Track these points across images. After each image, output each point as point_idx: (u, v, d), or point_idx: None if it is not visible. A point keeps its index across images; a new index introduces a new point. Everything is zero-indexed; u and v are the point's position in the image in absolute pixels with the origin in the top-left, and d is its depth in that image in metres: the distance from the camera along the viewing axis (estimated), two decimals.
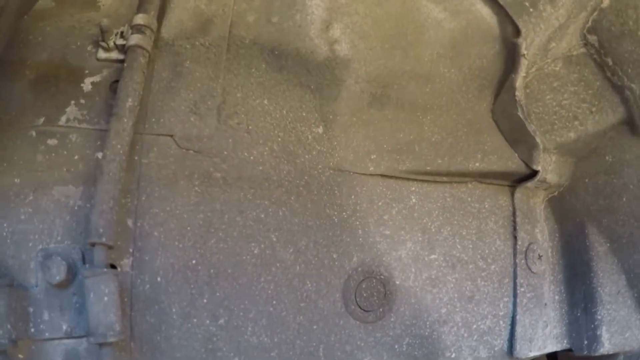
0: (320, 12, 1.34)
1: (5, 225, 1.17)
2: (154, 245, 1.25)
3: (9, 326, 1.09)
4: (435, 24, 1.43)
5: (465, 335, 1.51)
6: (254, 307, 1.30)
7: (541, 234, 1.64)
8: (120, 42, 1.30)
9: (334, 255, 1.38)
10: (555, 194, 1.65)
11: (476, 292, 1.53)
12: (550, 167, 1.56)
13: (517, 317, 1.56)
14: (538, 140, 1.52)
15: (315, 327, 1.35)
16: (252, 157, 1.34)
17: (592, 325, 1.56)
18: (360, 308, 1.39)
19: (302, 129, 1.40)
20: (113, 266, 1.19)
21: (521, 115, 1.51)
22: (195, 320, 1.26)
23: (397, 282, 1.45)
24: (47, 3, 1.36)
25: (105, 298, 1.11)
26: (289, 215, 1.35)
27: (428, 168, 1.48)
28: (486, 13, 1.46)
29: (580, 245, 1.60)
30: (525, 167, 1.57)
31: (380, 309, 1.42)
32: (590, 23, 1.46)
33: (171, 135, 1.29)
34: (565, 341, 1.63)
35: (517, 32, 1.44)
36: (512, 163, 1.56)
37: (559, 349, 1.61)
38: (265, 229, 1.32)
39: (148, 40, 1.28)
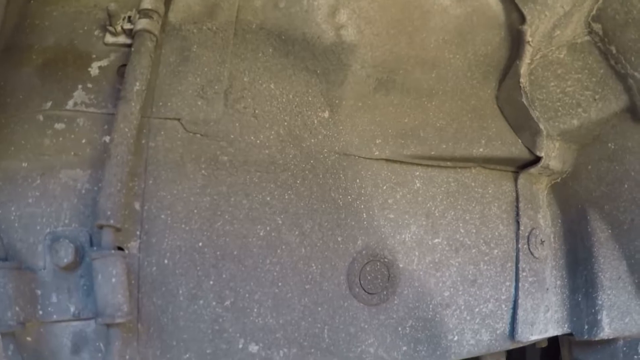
0: None
1: (13, 208, 1.16)
2: (161, 227, 1.24)
3: (17, 308, 1.09)
4: (441, 10, 1.41)
5: (468, 318, 1.51)
6: (259, 289, 1.29)
7: (544, 220, 1.63)
8: (127, 26, 1.29)
9: (339, 238, 1.37)
10: (558, 180, 1.64)
11: (479, 276, 1.52)
12: (553, 154, 1.55)
13: (519, 301, 1.55)
14: (541, 126, 1.51)
15: (319, 309, 1.34)
16: (258, 141, 1.33)
17: (593, 310, 1.55)
18: (365, 290, 1.39)
19: (308, 114, 1.38)
20: (120, 249, 1.18)
21: (525, 102, 1.50)
22: (201, 301, 1.25)
23: (401, 265, 1.44)
24: None
25: (113, 279, 1.11)
26: (294, 199, 1.34)
27: (432, 153, 1.47)
28: (492, 0, 1.44)
29: (582, 231, 1.59)
30: (529, 153, 1.55)
31: (384, 292, 1.41)
32: (595, 11, 1.44)
33: (178, 119, 1.28)
34: (566, 325, 1.62)
35: (522, 19, 1.42)
36: (516, 149, 1.55)
37: (560, 333, 1.61)
38: (271, 212, 1.32)
39: (155, 25, 1.27)
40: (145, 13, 1.27)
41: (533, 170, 1.56)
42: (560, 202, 1.66)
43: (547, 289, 1.60)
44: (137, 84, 1.20)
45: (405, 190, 1.46)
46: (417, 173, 1.48)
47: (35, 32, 1.28)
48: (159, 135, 1.27)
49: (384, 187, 1.44)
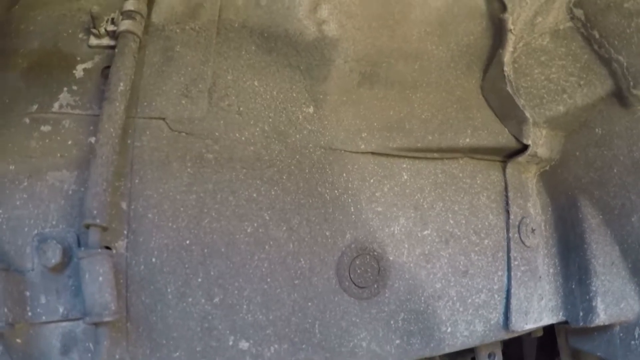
0: None
1: (1, 211, 1.15)
2: (148, 226, 1.22)
3: (5, 310, 1.07)
4: (421, 2, 1.39)
5: (461, 309, 1.48)
6: (248, 285, 1.27)
7: (534, 208, 1.60)
8: (111, 28, 1.28)
9: (327, 233, 1.35)
10: (547, 168, 1.61)
11: (470, 267, 1.49)
12: (540, 141, 1.52)
13: (512, 290, 1.52)
14: (527, 114, 1.48)
15: (310, 304, 1.32)
16: (243, 138, 1.31)
17: (587, 297, 1.52)
18: (355, 284, 1.36)
19: (293, 109, 1.36)
20: (108, 248, 1.17)
21: (510, 90, 1.47)
22: (190, 299, 1.23)
23: (391, 258, 1.41)
24: None
25: (100, 278, 1.09)
26: (281, 194, 1.32)
27: (419, 145, 1.44)
28: None
29: (573, 218, 1.56)
30: (516, 141, 1.53)
31: (375, 285, 1.38)
32: None
33: (163, 118, 1.27)
34: (561, 313, 1.59)
35: (503, 7, 1.40)
36: (503, 138, 1.52)
37: (555, 322, 1.57)
38: (258, 208, 1.30)
39: (138, 26, 1.26)
40: (128, 15, 1.26)
41: (521, 158, 1.53)
42: (550, 190, 1.63)
43: (540, 278, 1.57)
44: (121, 84, 1.19)
45: (393, 182, 1.44)
46: (404, 165, 1.46)
47: (20, 37, 1.27)
48: (144, 135, 1.25)
49: (371, 181, 1.41)
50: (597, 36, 1.41)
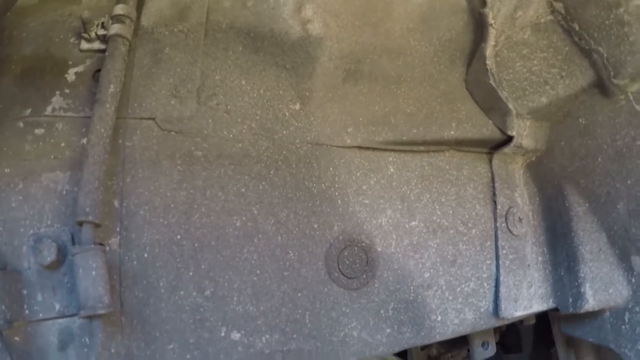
0: None
1: None
2: (139, 223, 1.24)
3: (3, 307, 1.08)
4: (404, 0, 1.41)
5: (450, 298, 1.48)
6: (238, 278, 1.28)
7: (521, 198, 1.61)
8: (101, 32, 1.30)
9: (315, 225, 1.36)
10: (533, 159, 1.62)
11: (458, 256, 1.50)
12: (525, 132, 1.53)
13: (501, 278, 1.52)
14: (510, 106, 1.49)
15: (299, 294, 1.33)
16: (231, 135, 1.32)
17: (576, 283, 1.52)
18: (344, 275, 1.37)
19: (279, 107, 1.38)
20: (101, 245, 1.19)
21: (493, 83, 1.48)
22: (182, 292, 1.25)
23: (379, 249, 1.42)
24: (30, 0, 1.36)
25: (94, 273, 1.10)
26: (269, 189, 1.33)
27: (404, 138, 1.45)
28: None
29: (559, 206, 1.57)
30: (500, 133, 1.53)
31: (364, 276, 1.39)
32: None
33: (153, 119, 1.29)
34: (550, 300, 1.59)
35: (483, 2, 1.41)
36: (487, 130, 1.53)
37: (544, 309, 1.57)
38: (247, 203, 1.31)
39: (128, 29, 1.28)
40: (117, 19, 1.27)
41: (507, 150, 1.54)
42: (536, 180, 1.64)
43: (529, 266, 1.57)
44: (112, 86, 1.20)
45: (379, 175, 1.45)
46: (391, 159, 1.46)
47: (13, 43, 1.29)
48: (135, 135, 1.27)
49: (358, 174, 1.42)
50: (577, 28, 1.41)
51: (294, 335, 1.32)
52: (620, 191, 1.45)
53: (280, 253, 1.32)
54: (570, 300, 1.55)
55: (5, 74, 1.26)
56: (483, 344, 1.81)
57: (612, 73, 1.38)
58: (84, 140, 1.22)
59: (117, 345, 1.20)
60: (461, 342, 2.05)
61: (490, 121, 1.54)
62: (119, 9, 1.28)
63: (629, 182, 1.43)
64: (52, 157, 1.21)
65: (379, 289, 1.41)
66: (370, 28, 1.40)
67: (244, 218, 1.30)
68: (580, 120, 1.50)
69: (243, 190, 1.31)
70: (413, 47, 1.47)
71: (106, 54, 1.25)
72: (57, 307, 1.16)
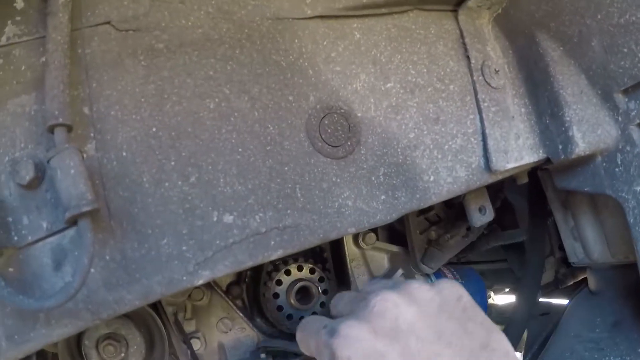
0: None
1: None
2: (113, 124, 1.20)
3: None
4: None
5: (439, 156, 1.45)
6: (221, 159, 1.25)
7: (494, 52, 1.57)
8: None
9: (290, 97, 1.32)
10: (500, 11, 1.57)
11: (440, 114, 1.47)
12: None
13: (487, 131, 1.49)
14: None
15: (286, 168, 1.30)
16: (190, 23, 1.28)
17: (563, 128, 1.49)
18: (328, 144, 1.33)
19: None
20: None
21: None
22: (167, 184, 1.21)
23: (359, 114, 1.39)
24: None
25: (72, 171, 1.06)
26: (237, 68, 1.29)
27: (364, 1, 1.40)
28: None
29: (534, 54, 1.53)
30: None
31: (348, 142, 1.36)
32: None
33: (108, 22, 1.24)
34: (540, 151, 1.55)
35: None
36: None
37: (536, 160, 1.53)
38: (217, 84, 1.27)
39: None
40: None
41: (470, 3, 1.49)
42: (506, 32, 1.59)
43: (513, 117, 1.54)
44: None
45: (347, 42, 1.40)
46: (355, 25, 1.42)
47: None
48: (93, 41, 1.22)
49: (324, 43, 1.38)
50: None
51: (288, 211, 1.29)
52: (592, 27, 1.42)
53: (259, 128, 1.29)
54: (560, 146, 1.52)
55: None
56: (480, 210, 1.79)
57: None
58: (43, 59, 1.17)
59: (112, 250, 1.17)
60: (460, 222, 2.04)
61: None
62: None
63: (598, 16, 1.39)
64: (15, 82, 1.16)
65: (365, 155, 1.38)
66: None
67: (216, 100, 1.27)
68: None
69: (211, 73, 1.27)
70: None
71: None
72: (45, 225, 1.13)
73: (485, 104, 1.50)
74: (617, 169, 1.49)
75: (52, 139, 1.11)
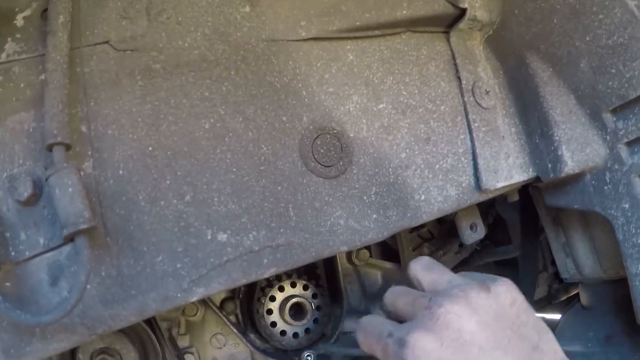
0: None
1: None
2: (110, 142, 1.23)
3: None
4: None
5: (430, 176, 1.48)
6: (215, 178, 1.28)
7: (485, 73, 1.60)
8: None
9: (284, 118, 1.36)
10: (491, 32, 1.61)
11: (431, 134, 1.50)
12: (477, 4, 1.51)
13: (477, 150, 1.52)
14: None
15: (279, 188, 1.33)
16: (186, 44, 1.31)
17: (552, 147, 1.53)
18: (320, 164, 1.37)
19: (230, 11, 1.36)
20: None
21: None
22: (162, 202, 1.24)
23: (351, 135, 1.42)
24: None
25: (70, 189, 1.09)
26: (232, 89, 1.32)
27: (358, 24, 1.44)
28: None
29: (524, 75, 1.57)
30: (453, 7, 1.52)
31: (341, 162, 1.39)
32: None
33: (107, 42, 1.27)
34: (530, 169, 1.59)
35: None
36: (439, 6, 1.51)
37: (525, 178, 1.57)
38: (212, 105, 1.30)
39: None
40: None
41: (462, 25, 1.53)
42: (497, 53, 1.63)
43: (503, 137, 1.57)
44: (61, 17, 1.18)
45: (340, 64, 1.44)
46: (348, 47, 1.45)
47: None
48: (91, 61, 1.25)
49: (318, 65, 1.42)
50: None
51: (281, 230, 1.32)
52: (581, 49, 1.46)
53: (253, 148, 1.32)
54: (550, 165, 1.55)
55: None
56: (471, 227, 1.82)
57: None
58: (42, 76, 1.20)
59: (107, 267, 1.20)
60: (453, 238, 2.07)
61: None
62: None
63: (587, 38, 1.43)
64: (14, 99, 1.19)
65: (357, 174, 1.41)
66: None
67: (211, 120, 1.30)
68: None
69: (207, 93, 1.30)
70: None
71: None
72: (42, 241, 1.16)
73: (476, 124, 1.54)
74: (605, 187, 1.52)
75: (50, 156, 1.13)
